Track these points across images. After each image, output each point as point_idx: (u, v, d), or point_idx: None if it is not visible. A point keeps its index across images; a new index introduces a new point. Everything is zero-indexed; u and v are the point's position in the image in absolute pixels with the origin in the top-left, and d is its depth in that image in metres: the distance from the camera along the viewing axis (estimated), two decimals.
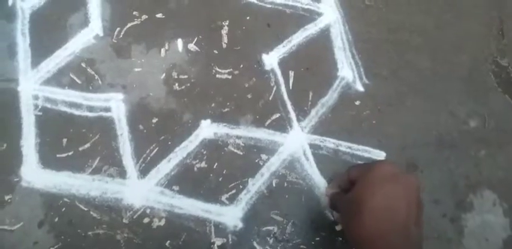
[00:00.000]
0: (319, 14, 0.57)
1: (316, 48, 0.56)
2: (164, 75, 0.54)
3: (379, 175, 0.32)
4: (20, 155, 0.50)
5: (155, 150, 0.51)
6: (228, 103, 0.53)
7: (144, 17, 0.56)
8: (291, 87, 0.54)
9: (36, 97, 0.53)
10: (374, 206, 0.30)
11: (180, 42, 0.56)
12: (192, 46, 0.55)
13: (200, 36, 0.56)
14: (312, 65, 0.55)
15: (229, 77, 0.54)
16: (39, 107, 0.52)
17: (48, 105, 0.52)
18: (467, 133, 0.54)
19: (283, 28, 0.56)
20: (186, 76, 0.54)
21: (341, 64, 0.55)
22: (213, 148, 0.51)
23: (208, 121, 0.52)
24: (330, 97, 0.54)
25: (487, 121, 0.53)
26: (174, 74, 0.54)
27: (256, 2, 0.57)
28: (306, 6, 0.57)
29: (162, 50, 0.55)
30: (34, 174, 0.49)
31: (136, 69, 0.54)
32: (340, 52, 0.55)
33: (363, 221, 0.30)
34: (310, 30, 0.56)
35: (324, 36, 0.56)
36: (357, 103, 0.54)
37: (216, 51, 0.55)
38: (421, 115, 0.54)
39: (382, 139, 0.52)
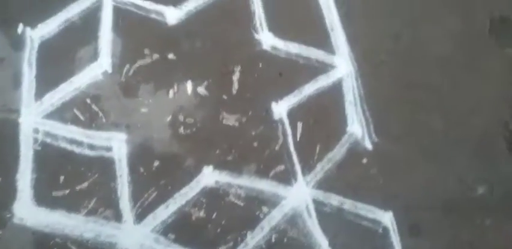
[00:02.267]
0: (333, 67, 0.73)
1: (327, 100, 0.71)
2: (170, 117, 0.69)
3: None
4: (15, 190, 0.63)
5: (154, 194, 0.64)
6: (233, 151, 0.67)
7: (156, 56, 0.72)
8: (298, 139, 0.68)
9: (36, 131, 0.67)
10: None
11: (189, 85, 0.71)
12: (201, 90, 0.71)
13: (210, 80, 0.71)
14: (321, 118, 0.70)
15: (237, 124, 0.69)
16: (39, 141, 0.66)
17: (48, 140, 0.67)
18: (474, 200, 0.67)
19: (295, 78, 0.72)
20: (192, 120, 0.69)
21: (351, 119, 0.70)
22: (214, 196, 0.64)
23: (211, 167, 0.66)
24: (338, 152, 0.68)
25: (495, 189, 0.67)
26: (181, 117, 0.69)
27: (269, 50, 0.74)
28: (320, 58, 0.74)
29: (171, 92, 0.70)
30: (27, 211, 0.62)
31: (142, 109, 0.69)
32: (351, 106, 0.70)
33: None
34: (322, 82, 0.72)
35: (336, 89, 0.72)
36: (364, 161, 0.68)
37: (225, 97, 0.70)
38: (428, 178, 0.68)
39: (388, 199, 0.66)
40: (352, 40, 0.75)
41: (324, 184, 0.66)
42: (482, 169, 0.68)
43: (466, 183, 0.69)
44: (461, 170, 0.69)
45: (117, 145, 0.66)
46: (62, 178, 0.63)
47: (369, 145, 0.68)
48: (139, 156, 0.65)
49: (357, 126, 0.69)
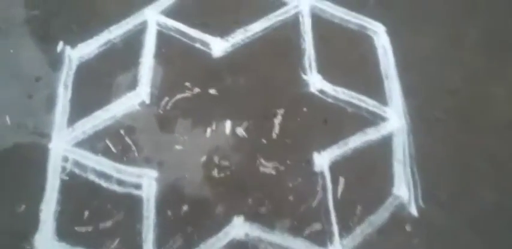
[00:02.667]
0: (384, 119, 0.72)
1: (374, 156, 0.70)
2: (205, 157, 0.68)
3: None
4: (37, 221, 0.63)
5: (179, 242, 0.63)
6: (267, 202, 0.66)
7: (197, 90, 0.72)
8: (339, 196, 0.67)
9: (65, 159, 0.68)
10: None
11: (228, 124, 0.71)
12: (240, 131, 0.70)
13: (251, 121, 0.71)
14: (366, 175, 0.69)
15: (273, 172, 0.68)
16: (67, 171, 0.67)
17: (77, 171, 0.67)
18: None
19: (341, 127, 0.71)
20: (227, 163, 0.68)
21: (398, 180, 0.68)
22: None
23: (242, 218, 0.65)
24: (380, 216, 0.66)
25: None
26: (216, 158, 0.68)
27: (317, 93, 0.73)
28: (371, 108, 0.72)
29: (208, 130, 0.70)
30: (48, 245, 0.62)
31: (177, 147, 0.69)
32: (399, 166, 0.69)
33: None
34: (371, 135, 0.70)
35: (385, 144, 0.70)
36: (408, 228, 0.66)
37: (264, 141, 0.69)
38: None
39: None
40: (407, 91, 0.73)
41: None
42: None
43: None
44: None
45: (147, 182, 0.66)
46: (86, 213, 0.63)
47: (414, 211, 0.66)
48: (169, 197, 0.65)
49: (403, 189, 0.67)
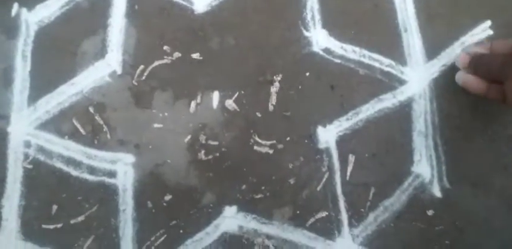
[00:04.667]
0: (402, 82, 0.59)
1: (390, 128, 0.58)
2: (189, 137, 0.57)
3: None
4: None
5: (162, 238, 0.54)
6: (263, 188, 0.56)
7: (177, 54, 0.60)
8: (348, 177, 0.57)
9: (28, 144, 0.57)
10: None
11: (216, 96, 0.59)
12: (230, 104, 0.58)
13: (242, 92, 0.58)
14: (381, 151, 0.58)
15: (271, 152, 0.57)
16: (30, 158, 0.57)
17: (42, 157, 0.57)
18: None
19: (350, 94, 0.59)
20: (216, 143, 0.57)
21: (418, 156, 0.57)
22: (235, 247, 0.54)
23: (234, 208, 0.55)
24: (397, 199, 0.56)
25: None
26: (202, 138, 0.57)
27: (321, 53, 0.59)
28: (386, 68, 0.59)
29: (193, 103, 0.58)
30: (12, 246, 0.54)
31: (155, 125, 0.57)
32: (420, 139, 0.57)
33: None
34: (386, 102, 0.58)
35: (403, 113, 0.59)
36: (430, 213, 0.56)
37: (259, 114, 0.58)
38: (510, 244, 0.55)
39: None
40: (430, 47, 0.59)
41: (376, 241, 0.56)
42: None
43: None
44: None
45: (122, 170, 0.56)
46: (54, 207, 0.55)
47: (437, 192, 0.56)
48: (148, 186, 0.55)
49: (425, 166, 0.56)
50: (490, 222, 0.56)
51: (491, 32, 0.61)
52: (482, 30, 0.61)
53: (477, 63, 0.53)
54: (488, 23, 0.61)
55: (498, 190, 0.57)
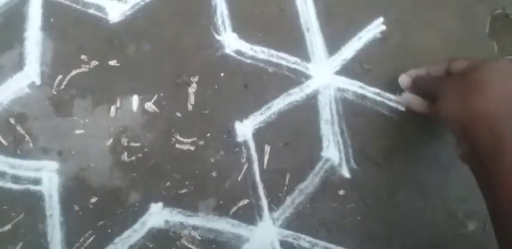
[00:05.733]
0: (307, 77, 0.63)
1: (300, 119, 0.62)
2: (111, 140, 0.59)
3: (499, 68, 0.43)
4: None
5: (91, 239, 0.55)
6: (187, 183, 0.58)
7: (94, 63, 0.61)
8: (265, 166, 0.60)
9: None
10: (501, 86, 0.41)
11: (135, 100, 0.61)
12: (149, 106, 0.60)
13: (161, 94, 0.61)
14: (293, 140, 0.62)
15: (192, 148, 0.59)
16: None
17: None
18: (464, 238, 0.61)
19: (263, 91, 0.63)
20: (138, 144, 0.59)
21: (326, 142, 0.61)
22: (162, 240, 0.56)
23: (160, 204, 0.57)
24: (310, 182, 0.60)
25: (487, 224, 0.60)
26: (124, 140, 0.59)
27: (234, 55, 0.63)
28: (292, 66, 0.63)
29: (112, 108, 0.60)
30: None
31: (77, 131, 0.59)
32: (327, 126, 0.61)
33: (487, 98, 0.41)
34: (295, 95, 0.62)
35: (310, 104, 0.63)
36: (341, 192, 0.60)
37: (179, 114, 0.60)
38: (413, 214, 0.61)
39: (366, 240, 0.58)
40: (331, 44, 0.64)
41: (294, 222, 0.59)
42: (475, 200, 0.60)
43: (457, 218, 0.62)
44: (450, 203, 0.63)
45: (47, 176, 0.57)
46: None
47: (346, 174, 0.60)
48: (73, 191, 0.56)
49: (333, 150, 0.61)
50: (393, 197, 0.61)
51: (384, 27, 0.67)
52: (376, 26, 0.67)
53: (416, 84, 0.55)
54: (381, 19, 0.67)
55: (398, 168, 0.62)
